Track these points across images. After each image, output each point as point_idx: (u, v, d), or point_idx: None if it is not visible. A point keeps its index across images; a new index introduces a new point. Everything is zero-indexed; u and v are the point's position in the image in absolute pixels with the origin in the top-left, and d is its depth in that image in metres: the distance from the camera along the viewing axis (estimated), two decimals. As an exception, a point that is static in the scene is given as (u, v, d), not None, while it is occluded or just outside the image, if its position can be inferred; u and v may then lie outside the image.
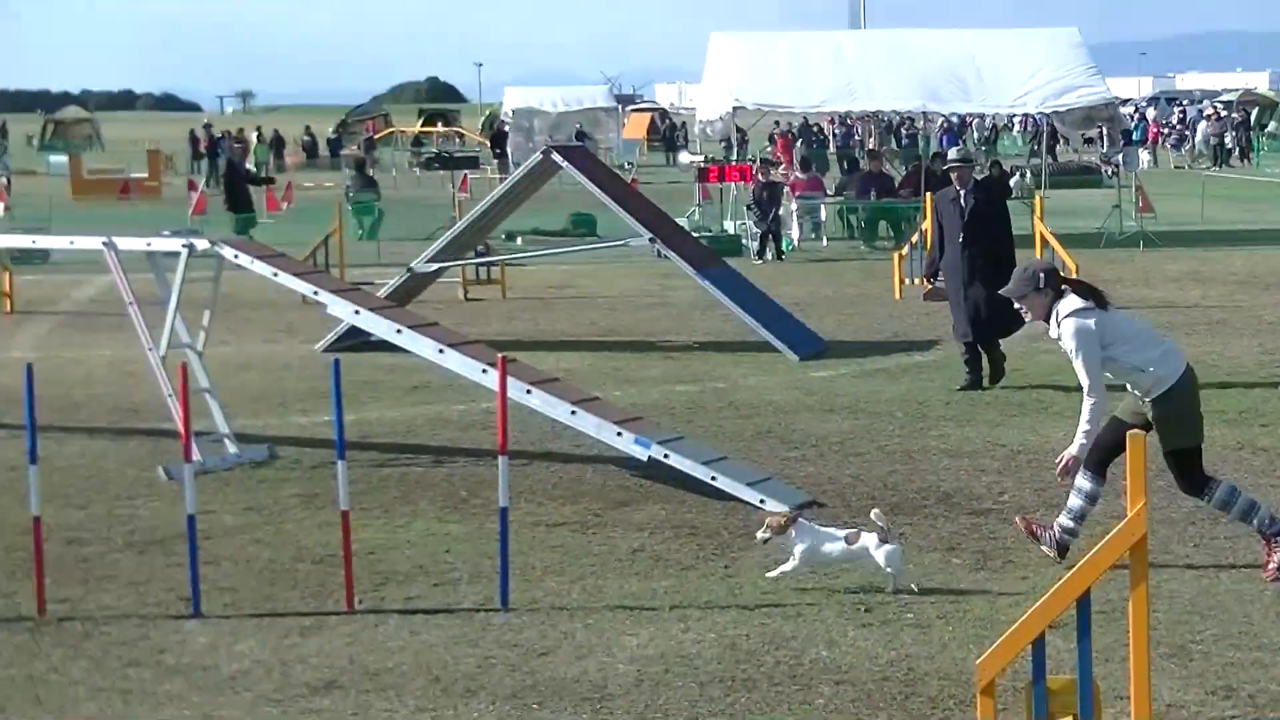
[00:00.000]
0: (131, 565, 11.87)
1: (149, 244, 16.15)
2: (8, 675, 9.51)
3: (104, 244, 16.02)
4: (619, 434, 13.85)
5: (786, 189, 39.40)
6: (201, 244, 15.80)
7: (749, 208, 36.78)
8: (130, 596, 11.07)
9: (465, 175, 46.95)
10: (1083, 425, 11.28)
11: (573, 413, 14.07)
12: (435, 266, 23.64)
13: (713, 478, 13.45)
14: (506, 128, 72.79)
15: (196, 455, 11.74)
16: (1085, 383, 11.21)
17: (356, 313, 15.38)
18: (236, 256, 15.72)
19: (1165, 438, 11.24)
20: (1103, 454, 11.43)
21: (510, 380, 11.47)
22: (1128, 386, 11.41)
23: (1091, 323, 11.19)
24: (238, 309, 25.06)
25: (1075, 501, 11.60)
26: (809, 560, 11.02)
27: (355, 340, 20.44)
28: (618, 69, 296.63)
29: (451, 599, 10.94)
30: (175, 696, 9.14)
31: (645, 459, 13.82)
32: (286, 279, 15.74)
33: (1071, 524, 11.60)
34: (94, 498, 13.96)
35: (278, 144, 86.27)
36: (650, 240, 22.59)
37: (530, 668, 9.55)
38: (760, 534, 11.19)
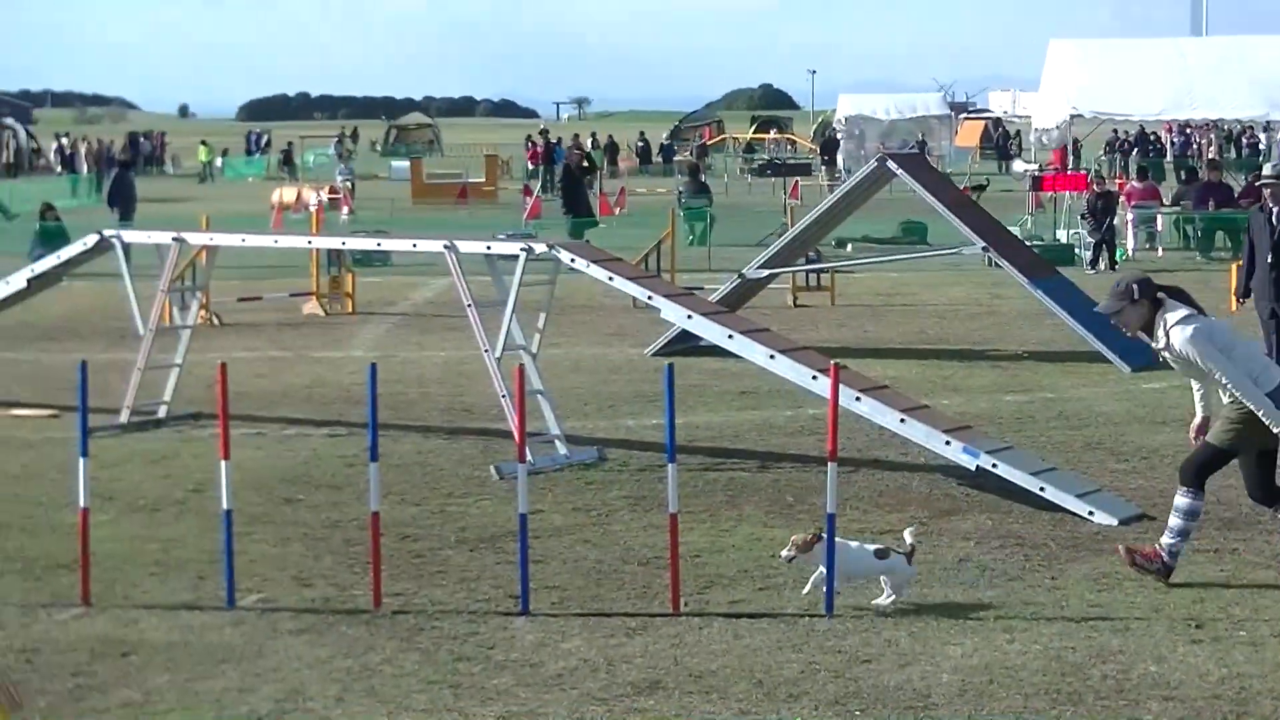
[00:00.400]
0: (462, 562, 12.11)
1: (488, 247, 16.44)
2: (345, 665, 9.77)
3: (445, 247, 16.35)
4: (947, 442, 13.74)
5: (1122, 198, 38.66)
6: (539, 248, 16.03)
7: (1083, 216, 36.21)
8: (461, 592, 11.30)
9: (796, 182, 47.01)
10: (1256, 406, 10.98)
11: (902, 420, 14.00)
12: (767, 273, 23.69)
13: (1041, 488, 13.28)
14: (838, 135, 72.72)
15: (529, 456, 11.91)
16: (1226, 377, 11.05)
17: (689, 317, 15.47)
18: (573, 260, 15.93)
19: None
20: (1200, 470, 11.38)
21: (840, 387, 11.44)
22: (1222, 396, 11.28)
23: (1203, 326, 11.14)
24: (568, 312, 25.37)
25: (1176, 521, 11.31)
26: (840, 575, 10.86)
27: (684, 345, 20.59)
28: (951, 76, 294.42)
29: (776, 604, 10.96)
30: (503, 691, 9.30)
31: (973, 468, 13.68)
32: (621, 283, 15.90)
33: (1175, 541, 11.30)
34: (428, 495, 14.27)
35: (612, 149, 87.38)
36: (983, 249, 22.38)
37: (853, 674, 9.52)
38: (785, 552, 11.04)
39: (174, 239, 18.04)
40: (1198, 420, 11.72)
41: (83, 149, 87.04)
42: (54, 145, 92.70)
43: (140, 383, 17.36)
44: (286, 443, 16.51)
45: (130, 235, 18.59)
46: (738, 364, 17.09)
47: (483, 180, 65.14)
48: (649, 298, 15.75)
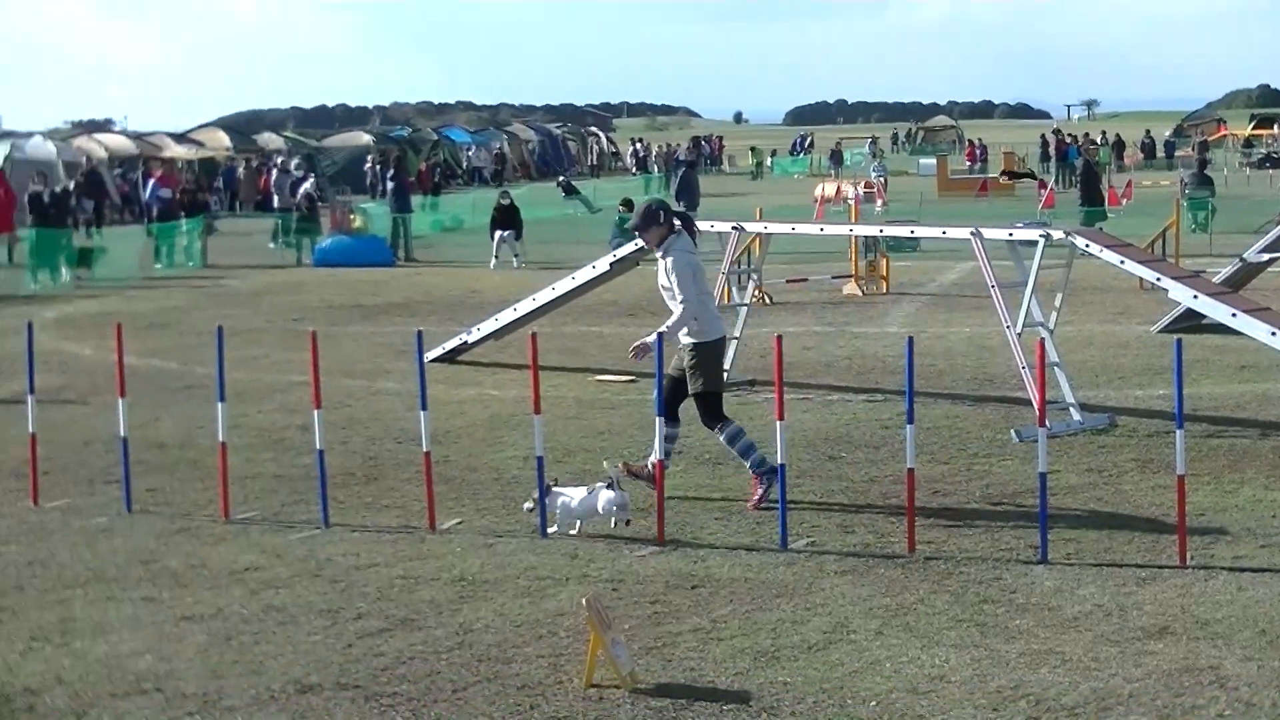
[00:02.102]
0: (987, 514, 11.99)
1: (1010, 234, 16.24)
2: (883, 603, 9.78)
3: (971, 234, 16.21)
4: None
5: None
6: (1056, 234, 15.76)
7: None
8: (985, 541, 11.18)
9: (1295, 173, 44.84)
10: (668, 322, 12.48)
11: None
12: (1267, 257, 22.69)
13: None
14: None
15: (1047, 421, 11.70)
16: (680, 296, 12.38)
17: (1195, 297, 15.01)
18: (1087, 246, 15.60)
19: (693, 381, 12.33)
20: (670, 401, 12.36)
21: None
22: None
23: (693, 260, 12.63)
24: (1080, 293, 24.76)
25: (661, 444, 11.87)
26: (562, 519, 11.50)
27: (1188, 323, 19.96)
28: None
29: (1277, 560, 10.52)
30: (1023, 631, 9.17)
31: None
32: (1132, 266, 15.52)
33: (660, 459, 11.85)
34: (955, 455, 14.17)
35: (1118, 147, 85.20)
36: None
37: (1352, 628, 9.06)
38: (526, 505, 11.73)
39: (733, 228, 18.35)
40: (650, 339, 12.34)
41: (654, 151, 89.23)
42: (630, 149, 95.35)
43: (704, 353, 17.71)
44: (830, 407, 16.62)
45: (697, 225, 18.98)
46: (1238, 340, 16.44)
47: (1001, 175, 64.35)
48: (1158, 279, 15.34)
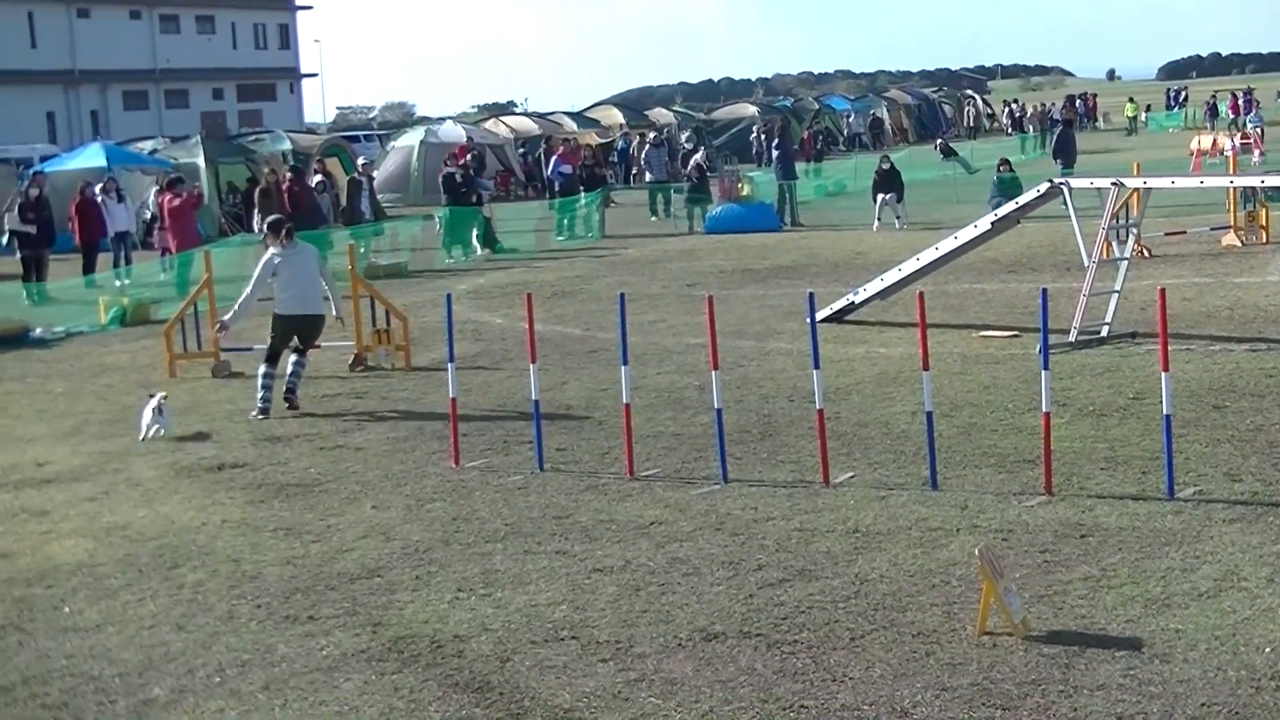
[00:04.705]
0: None
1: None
2: (1275, 550, 9.36)
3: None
4: None
5: None
6: None
7: None
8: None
9: None
10: (234, 308, 16.23)
11: None
12: None
13: None
14: None
15: None
16: (250, 286, 16.15)
17: None
18: None
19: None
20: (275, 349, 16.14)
21: None
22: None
23: (270, 256, 16.06)
24: None
25: (268, 383, 15.93)
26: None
27: None
28: None
29: None
30: None
31: None
32: None
33: (270, 395, 15.97)
34: None
35: None
36: None
37: None
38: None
39: (1113, 183, 17.81)
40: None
41: (1029, 111, 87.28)
42: (1005, 110, 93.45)
43: (1085, 307, 17.30)
44: (1212, 357, 16.00)
45: (1075, 182, 18.54)
46: None
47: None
48: None
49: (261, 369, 16.10)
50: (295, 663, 8.52)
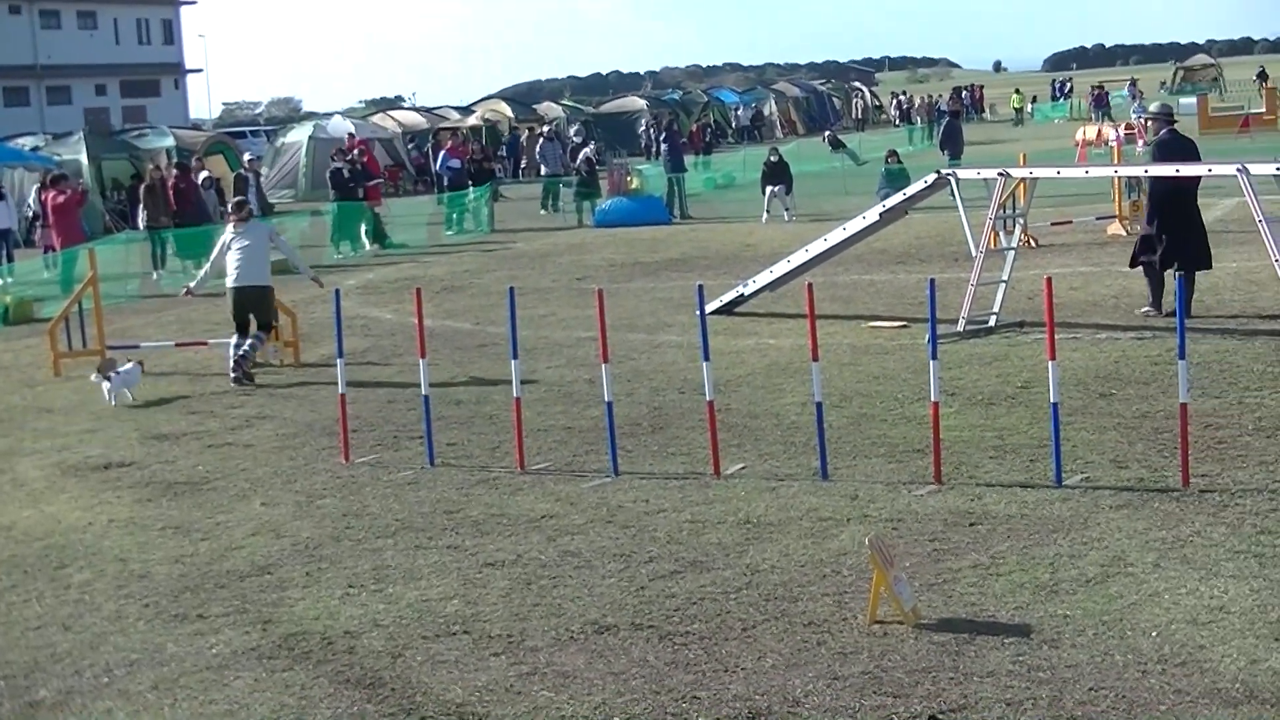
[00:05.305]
0: (1260, 446, 11.57)
1: (1278, 168, 15.63)
2: (1160, 536, 9.52)
3: (1238, 170, 15.70)
4: None
5: None
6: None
7: None
8: (1261, 473, 10.80)
9: None
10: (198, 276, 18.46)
11: None
12: None
13: None
14: None
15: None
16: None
17: None
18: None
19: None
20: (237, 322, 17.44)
21: None
22: None
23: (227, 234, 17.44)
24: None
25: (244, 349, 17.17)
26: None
27: None
28: None
29: None
30: (1305, 561, 8.84)
31: None
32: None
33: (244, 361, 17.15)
34: (1226, 389, 13.69)
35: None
36: None
37: None
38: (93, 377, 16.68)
39: (999, 174, 18.00)
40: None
41: (916, 103, 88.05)
42: (892, 102, 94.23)
43: (973, 297, 17.47)
44: (1099, 345, 16.20)
45: (962, 173, 18.70)
46: None
47: (1263, 111, 61.96)
48: None
49: (232, 339, 17.50)
50: (185, 661, 8.42)
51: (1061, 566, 9.05)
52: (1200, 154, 18.15)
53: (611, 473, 12.01)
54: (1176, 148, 17.75)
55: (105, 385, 16.53)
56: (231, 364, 17.24)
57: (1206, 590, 8.47)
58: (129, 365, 16.81)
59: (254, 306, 17.42)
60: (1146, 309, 17.77)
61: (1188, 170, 16.90)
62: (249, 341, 17.35)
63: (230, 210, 18.16)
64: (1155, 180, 17.65)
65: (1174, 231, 17.33)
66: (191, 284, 18.55)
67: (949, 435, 12.03)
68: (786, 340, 17.67)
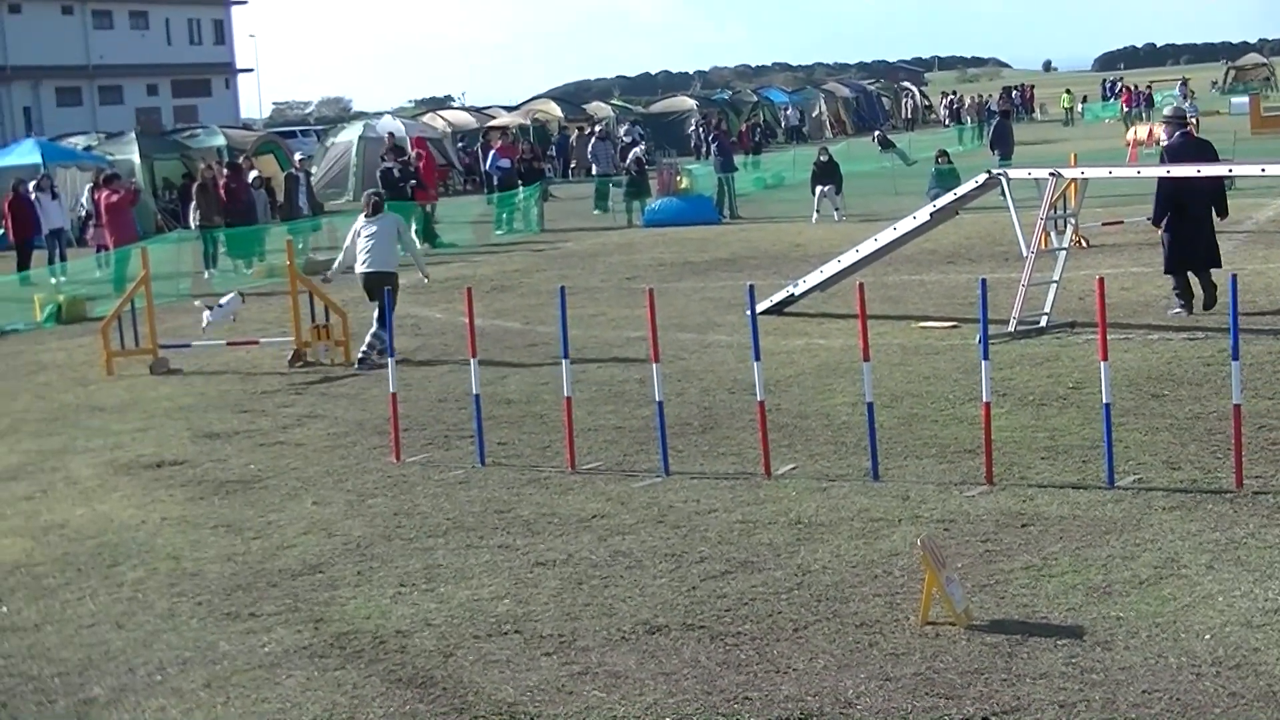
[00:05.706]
0: (1317, 449, 11.49)
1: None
2: (1213, 538, 9.45)
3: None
4: None
5: None
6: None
7: None
8: (1316, 476, 10.73)
9: None
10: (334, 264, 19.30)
11: None
12: None
13: None
14: None
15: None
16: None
17: None
18: None
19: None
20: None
21: None
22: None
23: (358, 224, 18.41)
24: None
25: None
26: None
27: None
28: None
29: None
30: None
31: None
32: None
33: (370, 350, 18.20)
34: (1279, 390, 13.62)
35: None
36: None
37: None
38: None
39: (1050, 174, 17.92)
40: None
41: (966, 103, 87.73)
42: (942, 102, 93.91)
43: (1024, 297, 17.39)
44: (1150, 346, 16.10)
45: (1013, 173, 18.62)
46: None
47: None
48: None
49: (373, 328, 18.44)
50: (237, 660, 8.47)
51: (1114, 568, 8.99)
52: (1218, 155, 18.16)
53: (662, 472, 12.01)
54: (1188, 151, 17.71)
55: (206, 314, 19.02)
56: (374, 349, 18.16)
57: (1260, 592, 8.41)
58: (231, 294, 19.04)
59: (377, 290, 17.98)
60: (1177, 310, 17.76)
61: (1209, 170, 17.01)
62: (371, 335, 18.26)
63: (364, 202, 19.17)
64: (1161, 183, 17.67)
65: (1182, 234, 17.40)
66: (328, 272, 19.62)
67: (1000, 436, 11.98)
68: (836, 340, 17.62)
